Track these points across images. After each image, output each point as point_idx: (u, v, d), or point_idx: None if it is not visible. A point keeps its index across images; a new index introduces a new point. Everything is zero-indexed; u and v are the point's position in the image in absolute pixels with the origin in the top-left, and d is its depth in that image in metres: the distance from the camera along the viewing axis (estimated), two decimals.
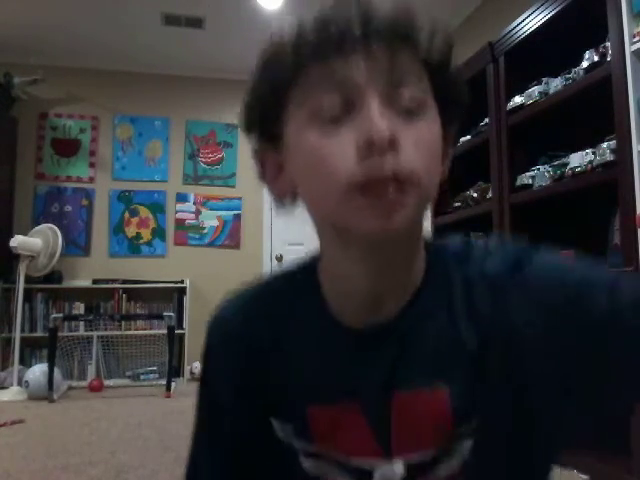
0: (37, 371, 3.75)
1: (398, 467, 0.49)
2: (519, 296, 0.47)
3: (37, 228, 4.19)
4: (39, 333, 4.28)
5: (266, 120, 0.50)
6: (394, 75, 0.43)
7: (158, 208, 4.81)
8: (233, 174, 4.97)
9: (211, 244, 4.84)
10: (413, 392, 0.48)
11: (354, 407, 0.50)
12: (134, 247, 4.72)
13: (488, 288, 0.48)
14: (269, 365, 0.53)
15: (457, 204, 3.22)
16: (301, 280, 0.55)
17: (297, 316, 0.54)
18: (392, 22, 0.44)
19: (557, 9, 2.30)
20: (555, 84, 2.39)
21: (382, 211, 0.42)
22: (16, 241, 3.89)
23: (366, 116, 0.42)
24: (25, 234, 4.07)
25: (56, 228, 4.15)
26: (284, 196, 0.51)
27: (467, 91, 0.52)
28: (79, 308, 4.45)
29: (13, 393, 3.70)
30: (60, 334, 3.97)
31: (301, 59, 0.44)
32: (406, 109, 0.43)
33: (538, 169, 2.49)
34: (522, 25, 2.54)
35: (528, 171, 2.55)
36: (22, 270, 4.00)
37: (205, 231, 4.86)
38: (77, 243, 4.63)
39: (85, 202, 4.69)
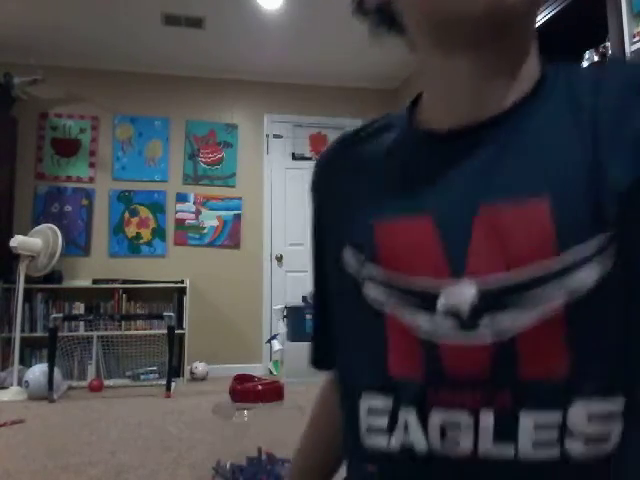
0: (37, 371, 3.75)
1: (469, 289, 0.39)
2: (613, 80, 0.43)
3: (37, 228, 4.19)
4: (39, 333, 4.28)
5: None
6: None
7: (158, 208, 4.81)
8: (233, 174, 4.97)
9: (211, 244, 4.84)
10: (506, 202, 0.40)
11: (428, 220, 0.43)
12: (134, 247, 4.72)
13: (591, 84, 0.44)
14: (345, 186, 0.51)
15: None
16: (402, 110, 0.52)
17: (382, 131, 0.51)
18: None
19: (557, 9, 2.30)
20: None
21: None
22: (16, 241, 3.89)
23: None
24: (25, 234, 4.08)
25: (56, 228, 4.15)
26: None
27: None
28: (79, 308, 4.45)
29: (13, 393, 3.70)
30: (60, 334, 3.97)
31: None
32: None
33: None
34: None
35: None
36: (22, 270, 4.00)
37: (205, 231, 4.86)
38: (77, 243, 4.63)
39: (85, 202, 4.70)
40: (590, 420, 0.37)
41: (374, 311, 0.45)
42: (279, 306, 4.49)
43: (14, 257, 4.02)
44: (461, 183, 0.43)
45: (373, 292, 0.45)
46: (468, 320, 0.39)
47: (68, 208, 4.65)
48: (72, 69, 4.71)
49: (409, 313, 0.42)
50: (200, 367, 4.51)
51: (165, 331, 3.94)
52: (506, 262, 0.39)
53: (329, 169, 0.55)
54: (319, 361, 0.58)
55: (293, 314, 4.19)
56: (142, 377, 4.34)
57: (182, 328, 4.40)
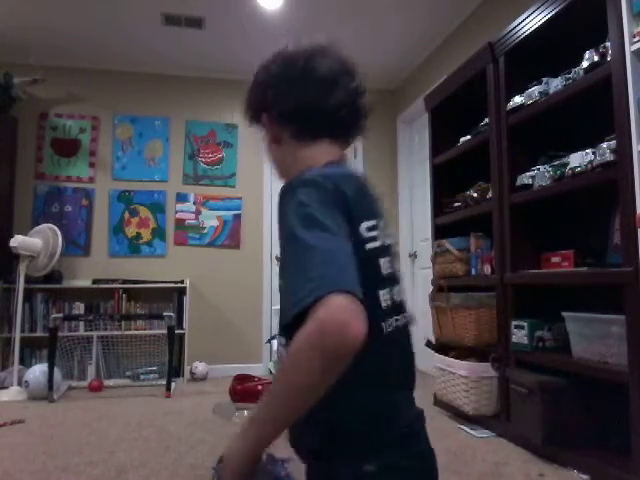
0: (37, 371, 3.75)
1: None
2: None
3: (37, 228, 4.19)
4: (39, 333, 4.28)
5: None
6: None
7: (158, 208, 4.81)
8: (233, 174, 4.97)
9: (211, 244, 4.84)
10: None
11: None
12: (134, 247, 4.72)
13: None
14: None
15: (457, 204, 3.22)
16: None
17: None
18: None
19: (557, 9, 2.30)
20: (555, 84, 2.39)
21: None
22: (16, 241, 3.89)
23: None
24: (25, 234, 4.08)
25: (56, 228, 4.15)
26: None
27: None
28: (79, 308, 4.45)
29: (13, 393, 3.71)
30: (60, 334, 3.97)
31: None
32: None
33: (538, 169, 2.49)
34: (522, 25, 2.54)
35: (528, 171, 2.55)
36: (22, 270, 4.00)
37: (205, 231, 4.86)
38: (77, 243, 4.63)
39: (85, 202, 4.70)
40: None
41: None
42: (279, 306, 4.49)
43: (14, 257, 4.02)
44: None
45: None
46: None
47: (68, 208, 4.65)
48: (72, 69, 4.71)
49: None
50: (200, 367, 4.51)
51: (165, 331, 3.94)
52: None
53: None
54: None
55: None
56: (142, 377, 4.34)
57: (182, 328, 4.40)
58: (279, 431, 0.64)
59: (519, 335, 2.51)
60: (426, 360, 3.05)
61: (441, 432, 2.71)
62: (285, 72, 0.84)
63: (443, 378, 3.03)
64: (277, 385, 0.62)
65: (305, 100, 0.82)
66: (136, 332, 4.42)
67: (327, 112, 0.82)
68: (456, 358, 2.93)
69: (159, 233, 4.78)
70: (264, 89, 0.88)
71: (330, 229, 0.64)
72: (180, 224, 4.82)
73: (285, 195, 0.71)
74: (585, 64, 2.18)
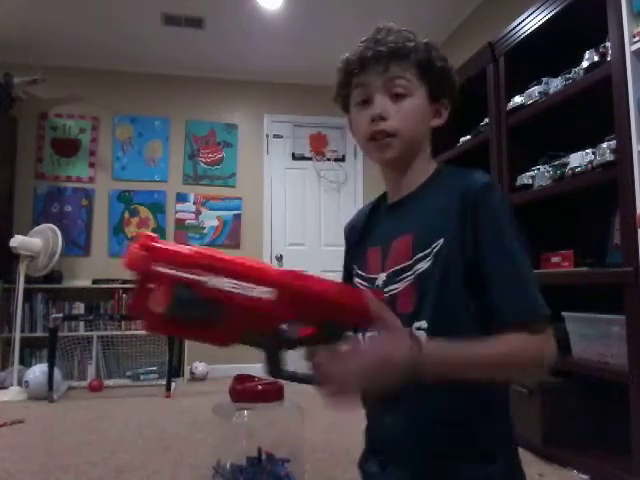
0: (37, 371, 3.75)
1: (382, 276, 0.84)
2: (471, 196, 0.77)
3: (37, 228, 4.19)
4: (39, 333, 4.28)
5: (343, 101, 0.91)
6: (387, 76, 0.83)
7: (158, 208, 4.81)
8: (233, 174, 4.97)
9: (211, 244, 4.84)
10: (400, 237, 0.83)
11: (378, 249, 0.87)
12: None
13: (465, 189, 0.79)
14: (356, 234, 0.96)
15: None
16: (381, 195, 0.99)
17: (374, 205, 0.98)
18: (388, 47, 0.82)
19: (557, 9, 2.30)
20: (555, 84, 2.39)
21: (379, 149, 0.84)
22: (16, 241, 3.90)
23: (372, 104, 0.84)
24: (25, 234, 4.08)
25: (56, 228, 4.15)
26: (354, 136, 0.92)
27: (451, 77, 0.89)
28: (79, 308, 4.45)
29: (13, 393, 3.70)
30: (60, 334, 3.97)
31: (347, 74, 0.87)
32: (396, 94, 0.83)
33: (538, 169, 2.49)
34: (522, 25, 2.54)
35: (528, 171, 2.55)
36: (22, 270, 4.00)
37: (205, 231, 4.86)
38: (77, 243, 4.63)
39: (85, 202, 4.70)
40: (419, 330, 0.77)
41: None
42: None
43: (14, 257, 4.02)
44: (390, 229, 0.87)
45: (357, 280, 0.91)
46: (381, 288, 0.83)
47: (68, 208, 4.65)
48: (72, 69, 4.71)
49: (366, 287, 0.87)
50: (200, 367, 4.51)
51: None
52: (395, 262, 0.82)
53: (350, 225, 1.02)
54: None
55: None
56: (142, 377, 4.34)
57: None
58: (447, 377, 0.68)
59: None
60: None
61: None
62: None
63: None
64: (480, 356, 0.70)
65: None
66: (136, 332, 4.42)
67: None
68: None
69: (159, 233, 4.77)
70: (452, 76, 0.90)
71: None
72: (180, 224, 4.82)
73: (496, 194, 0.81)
74: (585, 64, 2.18)
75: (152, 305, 0.61)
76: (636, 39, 1.87)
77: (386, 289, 0.82)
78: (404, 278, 0.79)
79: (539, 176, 2.46)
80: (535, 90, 2.49)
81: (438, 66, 0.84)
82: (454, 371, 0.69)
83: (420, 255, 0.78)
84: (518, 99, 2.60)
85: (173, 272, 0.60)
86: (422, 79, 0.83)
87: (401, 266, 0.80)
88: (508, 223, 0.75)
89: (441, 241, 0.76)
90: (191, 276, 0.59)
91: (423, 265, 0.77)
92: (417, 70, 0.83)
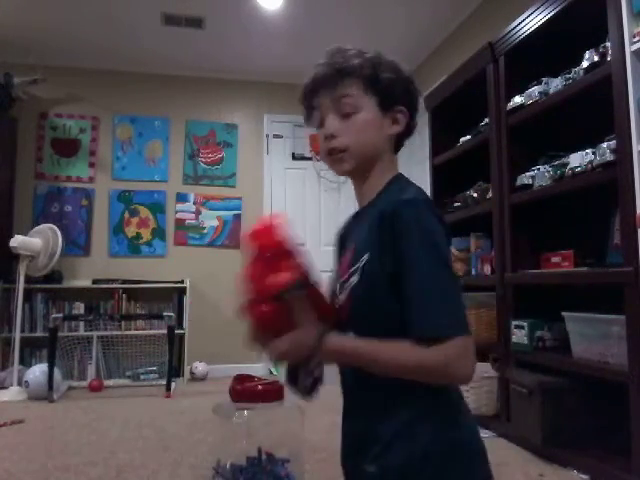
0: (37, 371, 3.75)
1: (339, 283, 0.87)
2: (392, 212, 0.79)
3: (37, 228, 4.19)
4: (39, 333, 4.28)
5: (313, 122, 0.95)
6: (335, 95, 0.88)
7: (158, 208, 4.81)
8: (233, 174, 4.97)
9: (211, 244, 4.84)
10: (348, 249, 0.89)
11: (346, 255, 0.89)
12: (134, 247, 4.72)
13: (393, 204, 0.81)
14: (338, 240, 1.02)
15: (457, 204, 3.22)
16: None
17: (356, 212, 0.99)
18: (334, 67, 0.89)
19: (557, 9, 2.30)
20: (555, 84, 2.39)
21: (334, 164, 0.90)
22: (16, 241, 3.90)
23: (324, 125, 0.90)
24: (25, 234, 4.08)
25: (56, 228, 4.15)
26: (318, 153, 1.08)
27: (401, 85, 0.91)
28: (79, 308, 4.45)
29: (13, 393, 3.71)
30: (60, 334, 3.97)
31: (304, 98, 0.94)
32: (345, 113, 0.87)
33: (538, 169, 2.49)
34: (522, 25, 2.54)
35: (528, 171, 2.55)
36: (22, 270, 4.00)
37: (205, 231, 4.86)
38: (77, 243, 4.63)
39: (85, 202, 4.70)
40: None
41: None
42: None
43: (14, 257, 4.02)
44: (350, 239, 0.93)
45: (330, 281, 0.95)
46: (338, 295, 0.88)
47: (68, 208, 4.65)
48: (72, 69, 4.71)
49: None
50: (200, 367, 4.51)
51: (165, 331, 3.94)
52: (343, 273, 0.86)
53: (337, 231, 1.04)
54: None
55: None
56: (142, 377, 4.34)
57: (182, 328, 4.40)
58: (350, 363, 0.82)
59: (519, 335, 2.51)
60: None
61: None
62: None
63: None
64: (387, 354, 0.76)
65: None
66: (136, 332, 4.42)
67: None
68: None
69: (159, 233, 4.78)
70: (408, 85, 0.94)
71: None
72: (180, 224, 4.82)
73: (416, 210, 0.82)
74: (585, 64, 2.18)
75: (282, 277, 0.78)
76: (636, 39, 1.87)
77: (339, 297, 0.87)
78: (345, 289, 0.84)
79: (539, 176, 2.46)
80: (535, 90, 2.49)
81: (385, 77, 0.88)
82: (355, 360, 0.80)
83: (352, 269, 0.83)
84: (518, 99, 2.60)
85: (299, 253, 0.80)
86: (370, 92, 0.87)
87: (344, 277, 0.85)
88: (421, 240, 0.75)
89: (366, 256, 0.80)
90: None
91: (354, 279, 0.82)
92: (364, 85, 0.87)
